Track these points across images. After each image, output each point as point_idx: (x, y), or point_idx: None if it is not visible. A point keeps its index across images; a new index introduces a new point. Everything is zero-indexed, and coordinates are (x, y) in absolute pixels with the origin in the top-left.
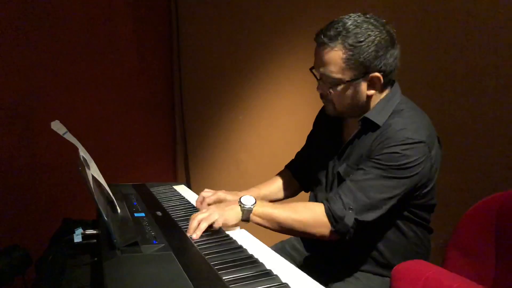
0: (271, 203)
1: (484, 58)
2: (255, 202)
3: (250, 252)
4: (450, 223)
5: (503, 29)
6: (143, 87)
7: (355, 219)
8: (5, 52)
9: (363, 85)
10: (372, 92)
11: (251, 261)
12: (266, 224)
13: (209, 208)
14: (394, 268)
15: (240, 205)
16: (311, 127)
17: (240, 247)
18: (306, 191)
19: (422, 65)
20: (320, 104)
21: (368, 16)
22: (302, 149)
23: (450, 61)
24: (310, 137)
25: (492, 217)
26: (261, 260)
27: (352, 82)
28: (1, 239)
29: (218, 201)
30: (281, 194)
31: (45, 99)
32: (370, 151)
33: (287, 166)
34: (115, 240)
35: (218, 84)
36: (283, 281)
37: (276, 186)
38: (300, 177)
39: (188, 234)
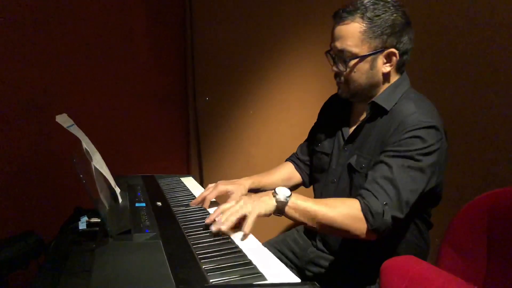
0: (306, 197)
1: (488, 52)
2: (291, 194)
3: (237, 243)
4: (448, 221)
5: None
6: (157, 81)
7: (391, 216)
8: (19, 47)
9: (380, 61)
10: (388, 69)
11: (235, 251)
12: (302, 218)
13: (240, 200)
14: (383, 263)
15: (274, 197)
16: None
17: (228, 237)
18: (307, 186)
19: (424, 59)
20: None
21: None
22: (305, 142)
23: (454, 56)
24: (313, 130)
25: (484, 215)
26: (246, 251)
27: (369, 56)
28: (18, 226)
29: (221, 195)
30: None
31: (60, 93)
32: (384, 140)
33: (289, 160)
34: (108, 228)
35: (230, 79)
36: (261, 271)
37: (278, 177)
38: (302, 171)
39: (214, 229)
